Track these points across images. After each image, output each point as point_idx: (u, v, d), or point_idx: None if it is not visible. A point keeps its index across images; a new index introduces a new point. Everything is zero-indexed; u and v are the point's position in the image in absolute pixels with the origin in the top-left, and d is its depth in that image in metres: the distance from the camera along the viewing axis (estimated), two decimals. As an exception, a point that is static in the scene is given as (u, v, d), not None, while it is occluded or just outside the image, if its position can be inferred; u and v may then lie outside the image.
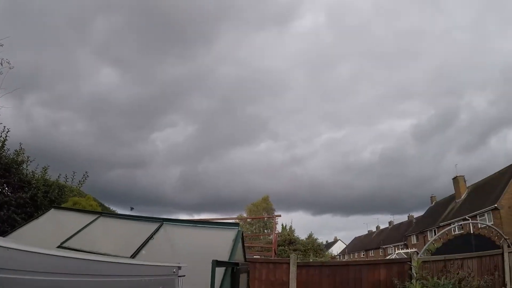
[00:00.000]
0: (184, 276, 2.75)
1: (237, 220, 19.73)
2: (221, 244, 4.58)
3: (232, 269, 3.98)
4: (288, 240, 25.34)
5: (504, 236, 11.88)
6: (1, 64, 8.92)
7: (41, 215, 6.29)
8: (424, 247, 12.64)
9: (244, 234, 5.70)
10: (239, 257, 4.82)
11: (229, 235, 4.71)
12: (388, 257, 30.27)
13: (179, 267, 2.67)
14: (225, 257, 4.22)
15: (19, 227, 5.88)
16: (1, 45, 8.85)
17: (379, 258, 46.69)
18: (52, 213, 6.26)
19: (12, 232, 5.65)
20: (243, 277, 4.91)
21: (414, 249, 20.35)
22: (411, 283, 7.23)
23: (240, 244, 4.83)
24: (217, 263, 3.06)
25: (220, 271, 3.70)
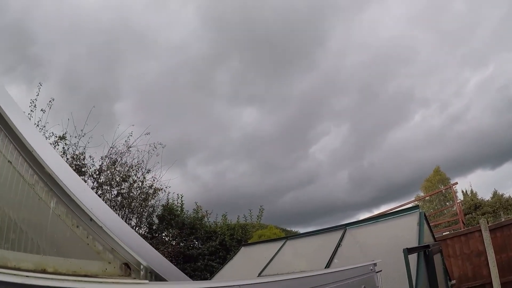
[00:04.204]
0: (381, 271, 2.80)
1: (416, 203, 18.68)
2: (406, 231, 4.46)
3: (424, 252, 3.82)
4: (473, 205, 23.19)
5: None
6: (156, 148, 10.83)
7: (234, 255, 7.02)
8: None
9: (426, 214, 5.41)
10: (427, 239, 4.57)
11: (412, 220, 4.59)
12: None
13: (375, 264, 2.72)
14: (414, 243, 4.07)
15: (218, 271, 6.66)
16: (149, 133, 10.78)
17: None
18: (243, 251, 6.99)
19: (212, 276, 6.43)
20: (437, 258, 4.68)
21: None
22: None
23: (425, 226, 4.55)
24: (408, 251, 2.99)
25: (413, 258, 3.59)
